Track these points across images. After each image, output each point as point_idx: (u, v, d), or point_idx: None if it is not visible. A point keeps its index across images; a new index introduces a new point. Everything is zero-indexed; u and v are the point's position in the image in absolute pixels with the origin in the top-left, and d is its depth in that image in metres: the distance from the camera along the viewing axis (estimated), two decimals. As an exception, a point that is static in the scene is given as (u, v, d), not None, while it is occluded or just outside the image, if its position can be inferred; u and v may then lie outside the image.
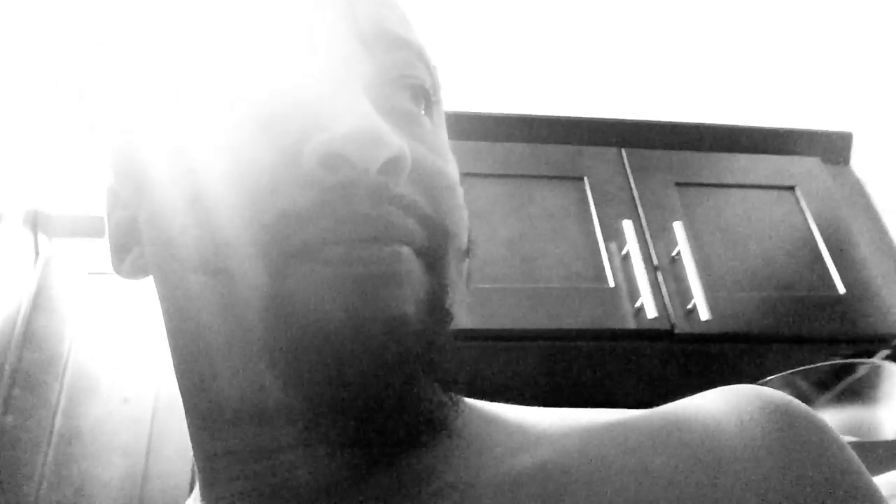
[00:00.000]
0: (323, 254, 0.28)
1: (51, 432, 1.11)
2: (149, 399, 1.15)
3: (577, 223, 1.19)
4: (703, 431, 0.31)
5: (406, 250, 0.29)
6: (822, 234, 1.25)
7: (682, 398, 0.35)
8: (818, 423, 0.31)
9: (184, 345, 0.33)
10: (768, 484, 0.28)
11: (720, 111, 1.58)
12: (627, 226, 1.17)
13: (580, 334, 1.08)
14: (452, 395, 0.31)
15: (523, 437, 0.33)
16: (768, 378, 1.03)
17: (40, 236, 1.29)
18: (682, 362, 1.17)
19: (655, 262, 1.16)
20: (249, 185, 0.29)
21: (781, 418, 0.31)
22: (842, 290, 1.18)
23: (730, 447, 0.30)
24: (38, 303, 1.22)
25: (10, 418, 1.10)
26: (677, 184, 1.27)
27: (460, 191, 0.35)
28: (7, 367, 1.14)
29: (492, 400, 0.38)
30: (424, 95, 0.35)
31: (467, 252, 0.35)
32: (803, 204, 1.28)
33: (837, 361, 1.03)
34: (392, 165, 0.28)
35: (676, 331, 1.10)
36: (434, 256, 0.31)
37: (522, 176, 1.22)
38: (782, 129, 1.41)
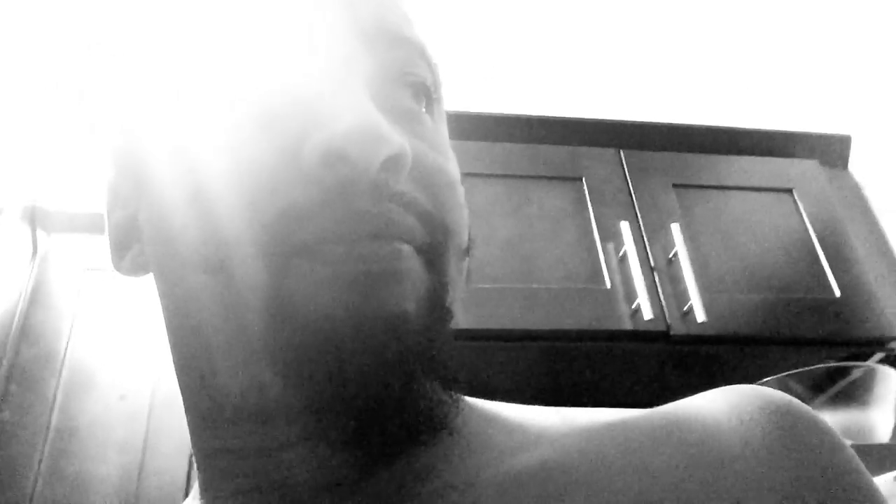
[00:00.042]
0: (323, 252, 0.28)
1: (47, 428, 1.11)
2: (145, 396, 1.15)
3: (575, 224, 1.19)
4: (703, 431, 0.31)
5: (406, 248, 0.29)
6: (818, 236, 1.25)
7: (677, 400, 0.35)
8: (819, 423, 0.31)
9: (184, 342, 0.33)
10: (769, 484, 0.28)
11: (719, 113, 1.58)
12: (625, 227, 1.17)
13: (576, 335, 1.08)
14: (452, 393, 0.31)
15: (523, 436, 0.33)
16: (763, 380, 1.03)
17: (39, 232, 1.29)
18: (677, 364, 1.17)
19: (652, 263, 1.17)
20: (250, 183, 0.29)
21: (782, 418, 0.31)
22: (837, 292, 1.19)
23: (730, 447, 0.30)
24: (36, 298, 1.22)
25: (6, 414, 1.10)
26: (675, 185, 1.27)
27: (461, 188, 0.34)
28: (4, 362, 1.14)
29: (487, 400, 0.38)
30: (425, 93, 0.34)
31: (468, 250, 0.35)
32: (801, 206, 1.29)
33: (832, 364, 1.03)
34: (393, 163, 0.28)
35: (672, 332, 1.10)
36: (435, 254, 0.31)
37: (521, 176, 1.23)
38: (781, 131, 1.41)
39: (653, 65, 1.70)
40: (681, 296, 1.13)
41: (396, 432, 0.28)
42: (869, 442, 0.99)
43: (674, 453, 0.30)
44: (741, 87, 1.69)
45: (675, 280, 1.15)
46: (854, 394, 1.02)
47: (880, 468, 0.90)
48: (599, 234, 1.18)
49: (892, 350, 1.16)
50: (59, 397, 1.14)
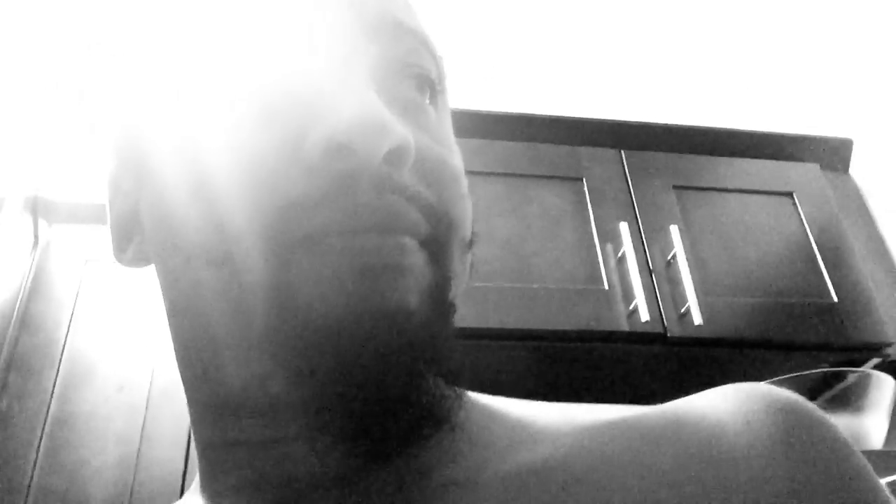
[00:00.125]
0: (326, 245, 0.27)
1: (46, 418, 1.11)
2: (143, 387, 1.16)
3: (574, 224, 1.19)
4: (708, 430, 0.30)
5: (410, 241, 0.29)
6: (817, 241, 1.25)
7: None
8: (825, 423, 0.31)
9: (186, 334, 0.33)
10: (774, 484, 0.28)
11: (720, 115, 1.58)
12: (624, 228, 1.17)
13: (573, 335, 1.08)
14: (455, 388, 0.30)
15: (527, 432, 0.32)
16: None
17: (40, 222, 1.29)
18: (674, 366, 1.17)
19: (651, 265, 1.17)
20: (252, 175, 0.28)
21: (788, 418, 0.30)
22: (835, 297, 1.19)
23: (735, 446, 0.29)
24: (37, 288, 1.22)
25: (5, 403, 1.11)
26: (675, 187, 1.27)
27: (465, 181, 0.34)
28: (4, 351, 1.14)
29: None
30: (429, 85, 0.34)
31: (471, 243, 0.34)
32: (801, 210, 1.29)
33: (827, 369, 1.04)
34: (396, 155, 0.28)
35: (669, 334, 1.10)
36: (438, 248, 0.30)
37: (521, 175, 1.23)
38: (782, 134, 1.41)
39: (655, 66, 1.70)
40: (678, 298, 1.13)
41: (399, 427, 0.28)
42: (862, 448, 0.99)
43: (678, 452, 0.29)
44: (743, 90, 1.69)
45: (673, 282, 1.15)
46: (849, 399, 1.02)
47: (873, 473, 0.90)
48: (598, 234, 1.18)
49: (888, 356, 1.17)
50: (58, 387, 1.14)
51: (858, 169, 1.45)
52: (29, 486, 1.06)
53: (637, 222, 1.21)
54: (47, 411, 1.12)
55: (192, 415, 0.34)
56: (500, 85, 1.62)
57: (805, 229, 1.27)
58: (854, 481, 0.29)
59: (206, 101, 0.31)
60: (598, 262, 1.15)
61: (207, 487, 0.33)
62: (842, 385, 1.03)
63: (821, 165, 1.38)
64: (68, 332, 1.19)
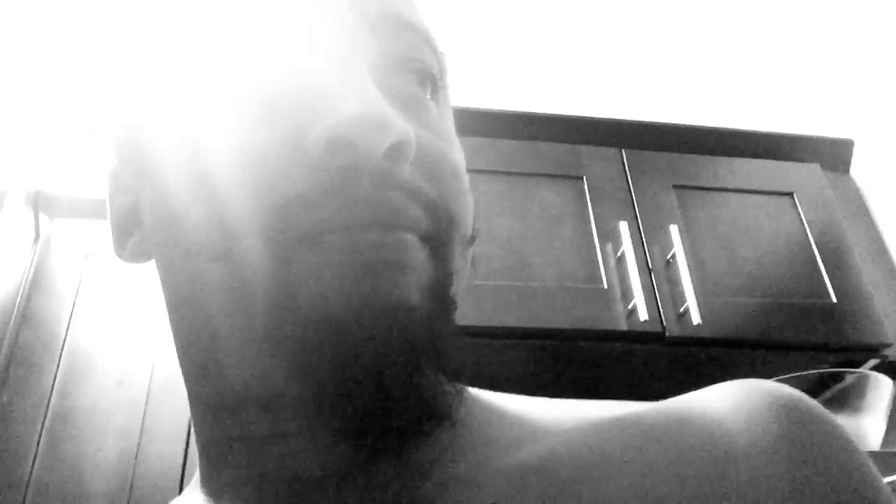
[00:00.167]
0: (327, 241, 0.27)
1: (46, 412, 1.11)
2: (143, 382, 1.16)
3: (574, 223, 1.19)
4: (709, 426, 0.30)
5: (411, 238, 0.29)
6: (817, 241, 1.25)
7: (671, 401, 0.35)
8: (827, 420, 0.31)
9: (187, 330, 0.33)
10: (775, 482, 0.28)
11: (721, 115, 1.58)
12: (623, 227, 1.17)
13: (571, 334, 1.08)
14: (456, 384, 0.30)
15: (528, 428, 0.32)
16: (757, 384, 1.03)
17: (41, 216, 1.29)
18: (672, 365, 1.17)
19: (650, 264, 1.17)
20: (254, 170, 0.28)
21: (789, 415, 0.30)
22: (834, 298, 1.19)
23: (737, 443, 0.29)
24: (37, 283, 1.23)
25: (5, 397, 1.11)
26: (675, 186, 1.27)
27: (466, 177, 0.34)
28: (4, 346, 1.15)
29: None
30: (431, 80, 0.34)
31: (473, 239, 0.34)
32: (801, 210, 1.29)
33: (825, 369, 1.04)
34: (397, 150, 0.28)
35: (668, 334, 1.10)
36: (439, 243, 0.30)
37: (521, 174, 1.23)
38: (783, 134, 1.40)
39: (656, 65, 1.70)
40: (677, 297, 1.13)
41: (400, 423, 0.28)
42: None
43: (679, 448, 0.29)
44: (744, 90, 1.69)
45: (672, 281, 1.15)
46: (846, 400, 1.02)
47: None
48: (598, 233, 1.18)
49: (887, 357, 1.17)
50: (59, 382, 1.14)
51: (859, 169, 1.45)
52: (29, 479, 1.06)
53: (637, 221, 1.21)
54: (47, 405, 1.12)
55: (192, 410, 0.34)
56: (501, 83, 1.62)
57: (805, 229, 1.26)
58: (856, 479, 0.29)
59: (207, 97, 0.31)
60: (598, 261, 1.15)
61: (207, 483, 0.33)
62: (840, 386, 1.03)
63: (821, 165, 1.37)
64: (69, 326, 1.20)
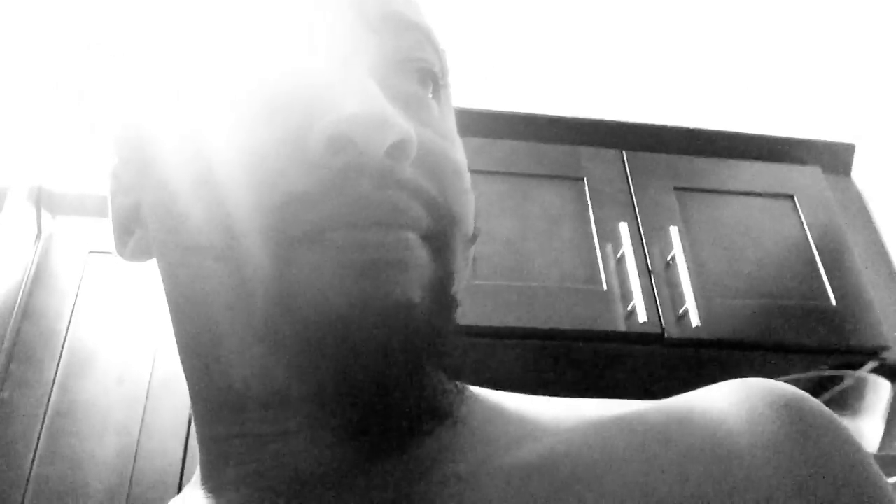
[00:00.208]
0: (328, 239, 0.27)
1: (46, 407, 1.12)
2: (144, 379, 1.17)
3: (574, 224, 1.20)
4: (712, 425, 0.30)
5: (412, 236, 0.29)
6: (817, 244, 1.25)
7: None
8: (829, 418, 0.31)
9: (188, 329, 0.33)
10: (777, 480, 0.28)
11: (722, 117, 1.58)
12: (624, 228, 1.17)
13: (571, 335, 1.09)
14: (457, 383, 0.30)
15: (529, 426, 0.32)
16: (755, 385, 1.03)
17: (44, 213, 1.30)
18: (671, 367, 1.17)
19: (650, 265, 1.17)
20: (255, 169, 0.28)
21: (791, 413, 0.30)
22: (833, 301, 1.19)
23: (739, 441, 0.29)
24: (39, 279, 1.23)
25: (6, 392, 1.12)
26: (676, 188, 1.27)
27: (467, 175, 0.34)
28: (6, 342, 1.15)
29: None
30: (432, 79, 0.34)
31: (474, 237, 0.34)
32: (801, 213, 1.29)
33: (824, 372, 1.04)
34: (398, 149, 0.28)
35: (667, 335, 1.11)
36: (440, 242, 0.30)
37: (522, 174, 1.23)
38: (784, 137, 1.40)
39: (658, 67, 1.70)
40: (677, 299, 1.13)
41: (400, 421, 0.28)
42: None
43: (681, 447, 0.29)
44: (746, 92, 1.69)
45: (671, 283, 1.15)
46: (844, 402, 1.02)
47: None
48: (598, 234, 1.18)
49: (885, 360, 1.17)
50: (59, 377, 1.15)
51: (860, 173, 1.45)
52: (29, 475, 1.06)
53: (637, 223, 1.21)
54: (48, 401, 1.13)
55: (194, 408, 0.34)
56: (503, 84, 1.63)
57: (805, 232, 1.26)
58: (859, 476, 0.29)
59: (208, 97, 0.31)
60: (598, 262, 1.16)
61: (208, 481, 0.33)
62: (838, 388, 1.03)
63: (823, 169, 1.37)
64: (70, 323, 1.20)
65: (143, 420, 1.13)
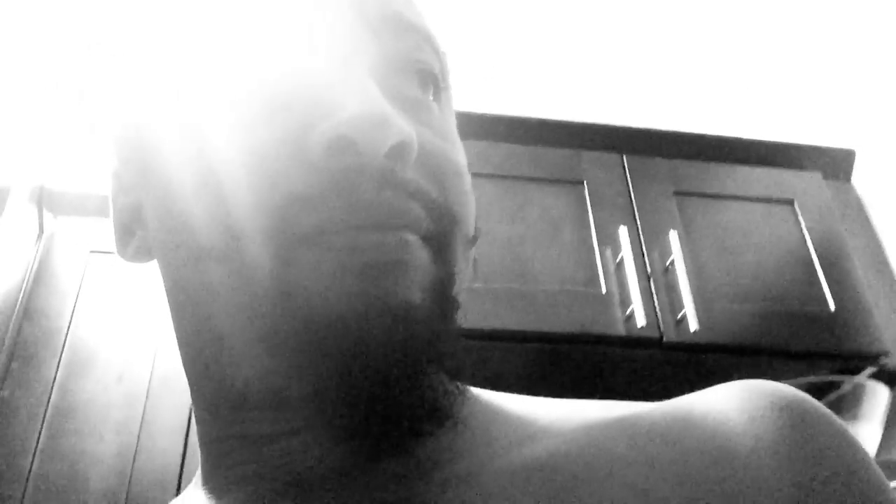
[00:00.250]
0: (328, 241, 0.27)
1: (47, 406, 1.12)
2: (144, 378, 1.17)
3: (574, 227, 1.20)
4: (713, 426, 0.30)
5: (413, 238, 0.29)
6: (817, 249, 1.25)
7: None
8: (830, 420, 0.31)
9: (189, 329, 0.33)
10: (778, 482, 0.28)
11: (723, 123, 1.58)
12: (623, 232, 1.17)
13: (569, 338, 1.09)
14: (458, 384, 0.30)
15: (530, 427, 0.32)
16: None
17: (45, 213, 1.30)
18: (669, 371, 1.17)
19: (649, 270, 1.17)
20: (256, 171, 0.28)
21: (793, 415, 0.30)
22: (832, 306, 1.19)
23: (740, 443, 0.29)
24: (40, 278, 1.23)
25: (7, 391, 1.12)
26: (676, 192, 1.27)
27: (468, 177, 0.34)
28: (6, 340, 1.15)
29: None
30: (433, 81, 0.34)
31: (475, 239, 0.34)
32: (801, 218, 1.29)
33: (822, 377, 1.04)
34: (399, 150, 0.28)
35: (665, 339, 1.11)
36: (441, 244, 0.30)
37: (522, 178, 1.23)
38: (784, 142, 1.40)
39: (659, 72, 1.70)
40: (675, 303, 1.13)
41: (401, 422, 0.28)
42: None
43: (682, 448, 0.29)
44: (747, 98, 1.69)
45: (670, 287, 1.15)
46: (843, 407, 1.02)
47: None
48: (598, 238, 1.19)
49: (884, 365, 1.17)
50: (60, 376, 1.15)
51: (860, 179, 1.45)
52: (29, 473, 1.07)
53: (637, 227, 1.21)
54: (48, 400, 1.13)
55: (195, 408, 0.34)
56: (503, 88, 1.63)
57: (805, 237, 1.26)
58: (860, 478, 0.29)
59: (208, 98, 0.31)
60: (597, 266, 1.16)
61: (209, 481, 0.33)
62: (836, 393, 1.04)
63: (823, 174, 1.37)
64: (70, 322, 1.20)
65: (142, 419, 1.13)
